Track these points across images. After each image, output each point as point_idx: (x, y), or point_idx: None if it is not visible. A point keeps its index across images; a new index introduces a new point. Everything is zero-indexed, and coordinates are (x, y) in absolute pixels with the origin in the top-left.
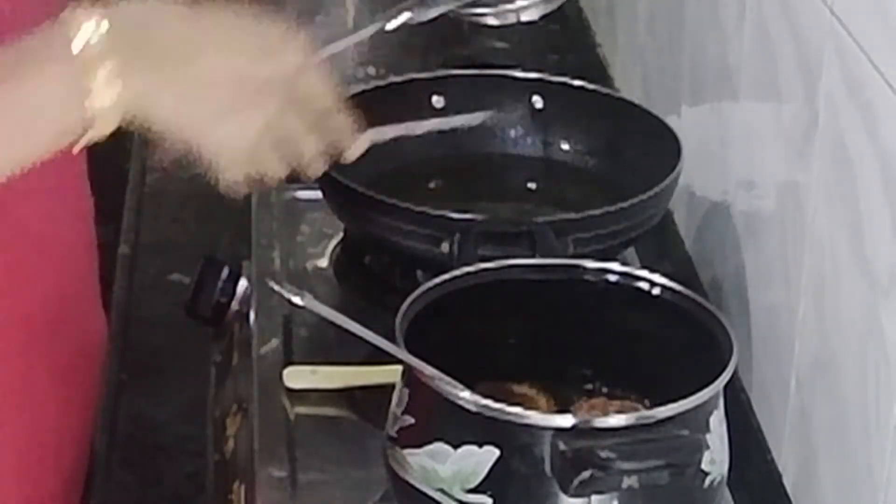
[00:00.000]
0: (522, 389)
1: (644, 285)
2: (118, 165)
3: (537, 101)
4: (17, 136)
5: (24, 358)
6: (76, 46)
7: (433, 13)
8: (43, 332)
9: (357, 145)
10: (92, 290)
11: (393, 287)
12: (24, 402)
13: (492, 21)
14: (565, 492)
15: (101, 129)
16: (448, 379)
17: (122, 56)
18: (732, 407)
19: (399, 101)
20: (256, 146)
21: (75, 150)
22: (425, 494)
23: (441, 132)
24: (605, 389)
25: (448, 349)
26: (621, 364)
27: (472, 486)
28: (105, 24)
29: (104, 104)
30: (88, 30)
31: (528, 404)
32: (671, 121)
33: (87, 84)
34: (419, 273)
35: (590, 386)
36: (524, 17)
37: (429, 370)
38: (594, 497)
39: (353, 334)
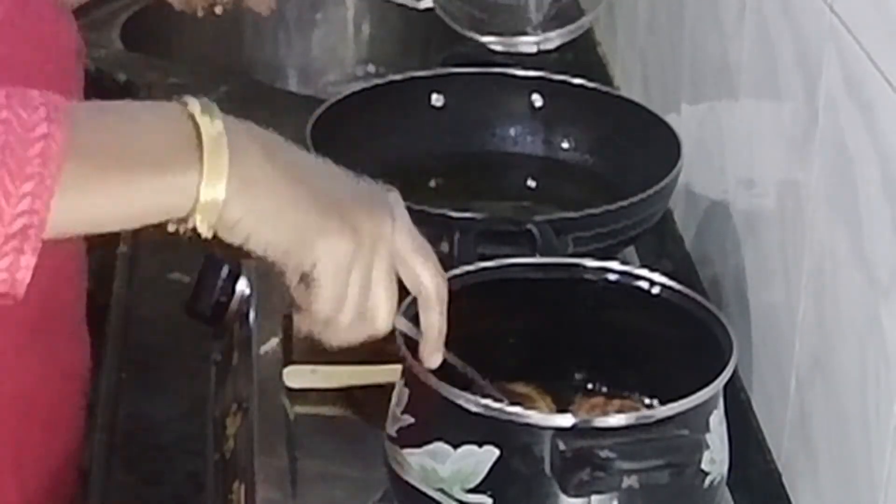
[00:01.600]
0: (520, 388)
1: (644, 284)
2: None
3: (537, 100)
4: (130, 201)
5: (18, 358)
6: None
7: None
8: (37, 331)
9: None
10: (77, 305)
11: None
12: (16, 401)
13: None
14: (565, 492)
15: (199, 225)
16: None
17: (236, 161)
18: (732, 407)
19: (398, 100)
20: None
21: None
22: (425, 494)
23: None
24: (604, 389)
25: (448, 348)
26: (621, 363)
27: (471, 485)
28: (221, 127)
29: (211, 198)
30: (210, 118)
31: (527, 404)
32: (671, 119)
33: (203, 178)
34: None
35: (590, 385)
36: (543, 47)
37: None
38: (594, 497)
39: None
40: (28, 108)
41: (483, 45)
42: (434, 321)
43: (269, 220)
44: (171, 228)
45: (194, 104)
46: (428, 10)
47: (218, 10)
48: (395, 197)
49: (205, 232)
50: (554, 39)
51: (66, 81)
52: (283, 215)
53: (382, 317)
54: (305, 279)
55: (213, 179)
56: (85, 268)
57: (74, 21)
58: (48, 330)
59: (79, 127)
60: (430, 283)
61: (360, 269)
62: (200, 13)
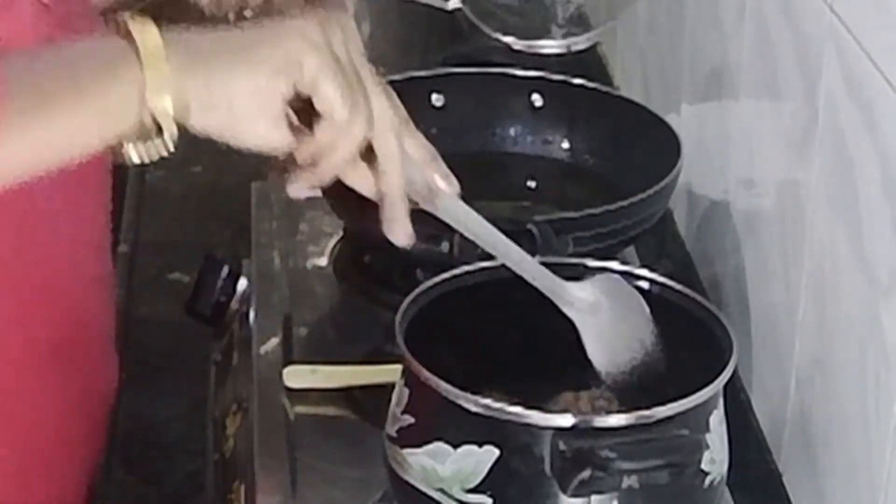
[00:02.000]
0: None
1: (644, 284)
2: (118, 165)
3: (537, 100)
4: (77, 126)
5: (40, 377)
6: (139, 45)
7: None
8: (62, 351)
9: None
10: (104, 327)
11: (393, 286)
12: (36, 418)
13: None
14: (565, 492)
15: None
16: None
17: (177, 61)
18: (732, 407)
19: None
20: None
21: (133, 160)
22: (425, 494)
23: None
24: (604, 388)
25: (448, 348)
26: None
27: (471, 485)
28: (149, 22)
29: (161, 106)
30: (148, 36)
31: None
32: (671, 119)
33: (147, 87)
34: (419, 272)
35: (589, 385)
36: (569, 49)
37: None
38: (594, 497)
39: None
40: None
41: (485, 45)
42: (391, 170)
43: (231, 62)
44: (133, 155)
45: (121, 16)
46: (454, 10)
47: (248, 13)
48: (345, 16)
49: (169, 129)
50: (581, 42)
51: None
52: (241, 51)
53: (385, 105)
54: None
55: (152, 61)
56: (114, 288)
57: None
58: (74, 350)
59: (12, 68)
60: (379, 105)
61: (341, 48)
62: (231, 17)
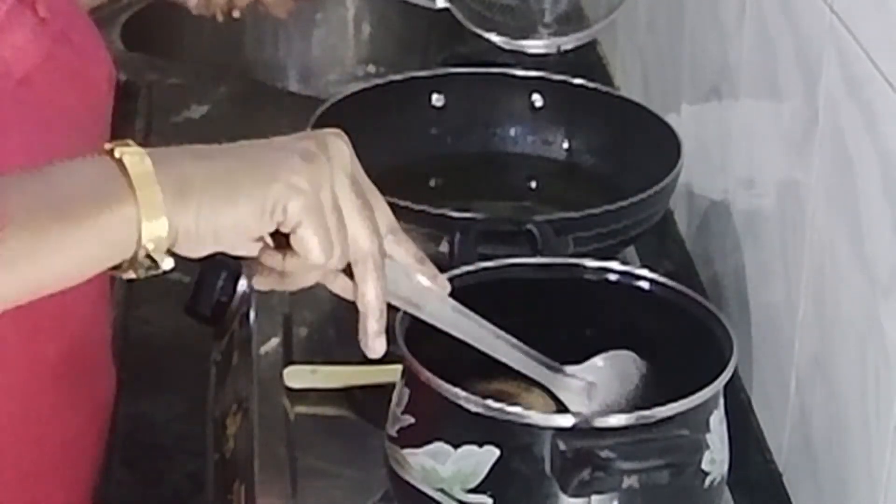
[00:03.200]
0: (508, 388)
1: (644, 284)
2: None
3: (537, 100)
4: (72, 263)
5: (43, 396)
6: (131, 174)
7: None
8: (64, 373)
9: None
10: (106, 340)
11: None
12: (38, 436)
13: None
14: (565, 492)
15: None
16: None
17: (170, 197)
18: (732, 407)
19: (398, 100)
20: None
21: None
22: (425, 494)
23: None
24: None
25: (448, 348)
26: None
27: (472, 486)
28: (147, 158)
29: (154, 242)
30: (135, 161)
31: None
32: (671, 119)
33: (143, 227)
34: None
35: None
36: (556, 49)
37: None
38: (594, 497)
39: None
40: None
41: (485, 45)
42: (372, 289)
43: (220, 199)
44: (128, 275)
45: (112, 144)
46: (443, 9)
47: (236, 13)
48: (333, 139)
49: (163, 259)
50: (569, 41)
51: (95, 115)
52: (232, 186)
53: (365, 237)
54: (279, 243)
55: (148, 199)
56: (111, 303)
57: (107, 50)
58: (77, 365)
59: (5, 199)
60: (365, 240)
61: (326, 193)
62: (220, 17)
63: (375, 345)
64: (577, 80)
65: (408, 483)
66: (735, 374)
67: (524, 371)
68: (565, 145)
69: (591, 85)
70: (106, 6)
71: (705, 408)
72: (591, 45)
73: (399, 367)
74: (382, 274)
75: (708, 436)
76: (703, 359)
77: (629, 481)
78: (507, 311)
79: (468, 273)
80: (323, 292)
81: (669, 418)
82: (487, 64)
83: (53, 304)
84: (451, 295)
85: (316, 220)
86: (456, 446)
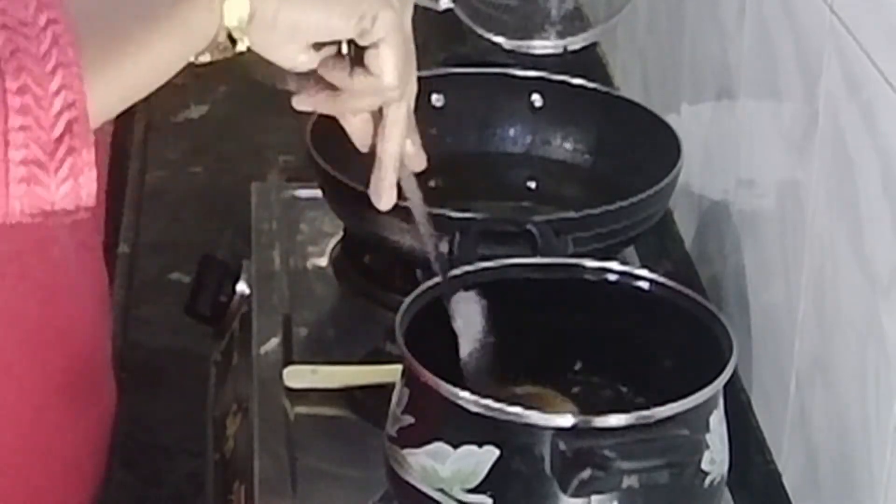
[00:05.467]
0: (531, 390)
1: (644, 284)
2: (118, 165)
3: (537, 100)
4: (159, 59)
5: (42, 412)
6: None
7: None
8: (64, 387)
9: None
10: (107, 351)
11: (393, 286)
12: (39, 450)
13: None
14: (565, 492)
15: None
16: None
17: None
18: (732, 407)
19: None
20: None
21: (202, 58)
22: (425, 494)
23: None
24: (605, 389)
25: (448, 349)
26: (621, 363)
27: (472, 486)
28: None
29: (236, 24)
30: None
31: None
32: (671, 119)
33: (224, 10)
34: (419, 272)
35: (591, 386)
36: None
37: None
38: (594, 497)
39: None
40: (18, 3)
41: (485, 45)
42: (398, 132)
43: None
44: (203, 58)
45: None
46: (447, 10)
47: None
48: None
49: (245, 44)
50: (576, 41)
51: None
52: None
53: (414, 80)
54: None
55: None
56: (111, 315)
57: None
58: (82, 378)
59: (80, 11)
60: (414, 86)
61: (409, 20)
62: None
63: (390, 196)
64: (577, 80)
65: (408, 483)
66: (735, 374)
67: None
68: (565, 145)
69: (591, 85)
70: None
71: (705, 408)
72: (591, 45)
73: (399, 367)
74: (408, 122)
75: (708, 436)
76: (703, 359)
77: (629, 481)
78: (507, 312)
79: (468, 273)
80: (323, 292)
81: (669, 418)
82: (487, 64)
83: (60, 316)
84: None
85: (400, 41)
86: (456, 446)
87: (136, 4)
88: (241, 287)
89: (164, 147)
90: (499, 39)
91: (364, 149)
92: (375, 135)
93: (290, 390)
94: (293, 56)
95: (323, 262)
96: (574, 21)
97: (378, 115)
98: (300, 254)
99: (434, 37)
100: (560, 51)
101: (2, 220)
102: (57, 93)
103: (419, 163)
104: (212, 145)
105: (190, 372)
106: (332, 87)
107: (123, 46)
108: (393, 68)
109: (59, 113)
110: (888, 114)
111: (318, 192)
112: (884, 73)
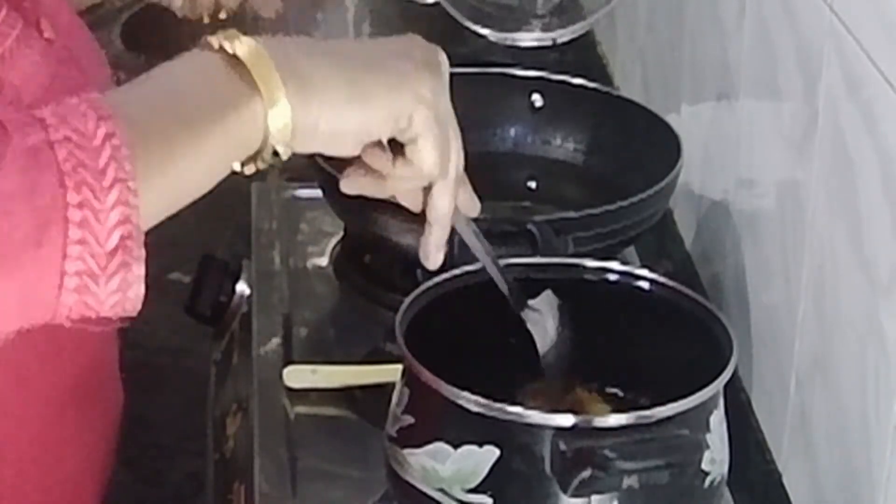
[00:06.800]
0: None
1: (644, 284)
2: None
3: (537, 100)
4: (205, 167)
5: (63, 416)
6: (249, 65)
7: None
8: (73, 398)
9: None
10: (116, 357)
11: (393, 286)
12: (60, 454)
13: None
14: (565, 492)
15: (279, 147)
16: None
17: (293, 93)
18: (732, 407)
19: None
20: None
21: (249, 171)
22: (425, 494)
23: None
24: (604, 388)
25: (448, 348)
26: (620, 363)
27: (472, 485)
28: (254, 41)
29: (279, 136)
30: (250, 51)
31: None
32: (671, 119)
33: (269, 122)
34: (419, 272)
35: (590, 385)
36: (549, 42)
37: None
38: (594, 497)
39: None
40: (78, 116)
41: (485, 44)
42: (447, 202)
43: (344, 101)
44: (248, 171)
45: (216, 38)
46: (434, 4)
47: (223, 14)
48: (435, 48)
49: (287, 152)
50: (564, 34)
51: None
52: (355, 89)
53: (457, 152)
54: (394, 149)
55: (271, 93)
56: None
57: (104, 57)
58: (92, 383)
59: (127, 112)
60: (456, 157)
61: (443, 106)
62: (206, 19)
63: (437, 258)
64: (577, 80)
65: (408, 483)
66: (735, 374)
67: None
68: (565, 145)
69: (591, 85)
70: (104, 6)
71: (705, 408)
72: (591, 46)
73: (399, 367)
74: (458, 189)
75: (708, 436)
76: (703, 359)
77: (629, 481)
78: (507, 312)
79: (468, 273)
80: (323, 292)
81: (669, 418)
82: (487, 64)
83: (72, 326)
84: (452, 295)
85: (437, 133)
86: (456, 446)
87: (182, 117)
88: (241, 287)
89: None
90: (485, 32)
91: (416, 210)
92: (425, 199)
93: (290, 390)
94: (339, 150)
95: (323, 262)
96: (562, 13)
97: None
98: (300, 254)
99: (434, 36)
100: (548, 43)
101: (46, 321)
102: (113, 207)
103: (473, 208)
104: None
105: (190, 372)
106: (377, 172)
107: (169, 158)
108: (432, 158)
109: (115, 227)
110: (888, 114)
111: (318, 192)
112: (884, 73)
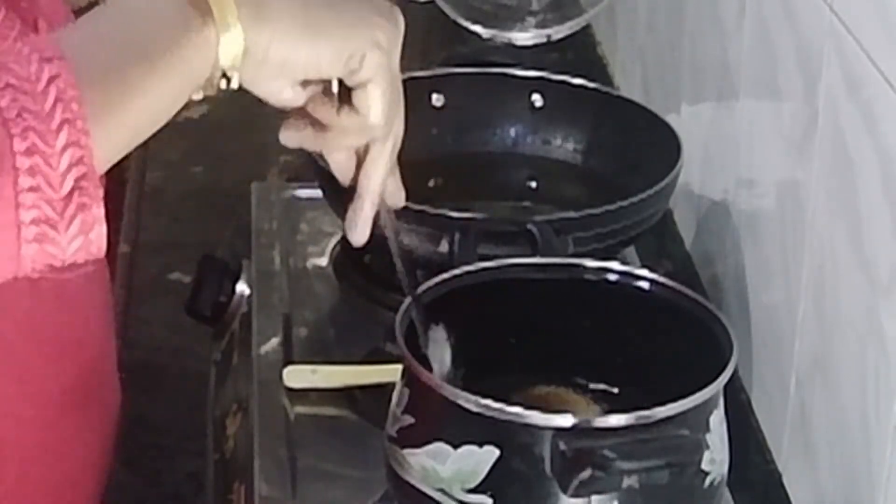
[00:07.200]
0: (545, 391)
1: (644, 284)
2: (118, 165)
3: (537, 100)
4: (159, 101)
5: (65, 415)
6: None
7: None
8: (70, 397)
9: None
10: (114, 356)
11: (393, 286)
12: (62, 453)
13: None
14: (565, 492)
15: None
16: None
17: (246, 18)
18: (732, 407)
19: None
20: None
21: (197, 97)
22: (425, 494)
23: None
24: (604, 388)
25: (446, 347)
26: (621, 363)
27: (472, 485)
28: None
29: (231, 63)
30: None
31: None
32: (671, 119)
33: (220, 50)
34: (419, 272)
35: (590, 385)
36: (543, 39)
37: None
38: (594, 497)
39: None
40: (20, 60)
41: (485, 44)
42: (380, 171)
43: (298, 30)
44: (197, 96)
45: None
46: (428, 2)
47: None
48: (397, 10)
49: (236, 80)
50: (559, 31)
51: None
52: (310, 20)
53: (401, 117)
54: (342, 99)
55: (224, 17)
56: (114, 317)
57: None
58: (92, 382)
59: (76, 51)
60: (400, 126)
61: (396, 59)
62: None
63: (364, 231)
64: (577, 80)
65: (408, 483)
66: (735, 374)
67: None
68: (565, 145)
69: (591, 85)
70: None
71: (705, 408)
72: (591, 46)
73: (399, 367)
74: (391, 160)
75: (708, 436)
76: (703, 359)
77: (629, 481)
78: (507, 312)
79: (468, 273)
80: (323, 292)
81: (669, 418)
82: (487, 64)
83: (72, 326)
84: (452, 295)
85: (387, 80)
86: (456, 446)
87: (135, 49)
88: (241, 287)
89: (164, 147)
90: (478, 29)
91: (346, 183)
92: (357, 170)
93: (289, 390)
94: (280, 91)
95: (323, 262)
96: (558, 10)
97: (361, 152)
98: (300, 254)
99: (434, 36)
100: (544, 40)
101: (12, 275)
102: (64, 150)
103: (399, 199)
104: (212, 145)
105: (190, 372)
106: (318, 124)
107: (124, 92)
108: (380, 107)
109: (67, 170)
110: (888, 114)
111: (318, 192)
112: (884, 73)
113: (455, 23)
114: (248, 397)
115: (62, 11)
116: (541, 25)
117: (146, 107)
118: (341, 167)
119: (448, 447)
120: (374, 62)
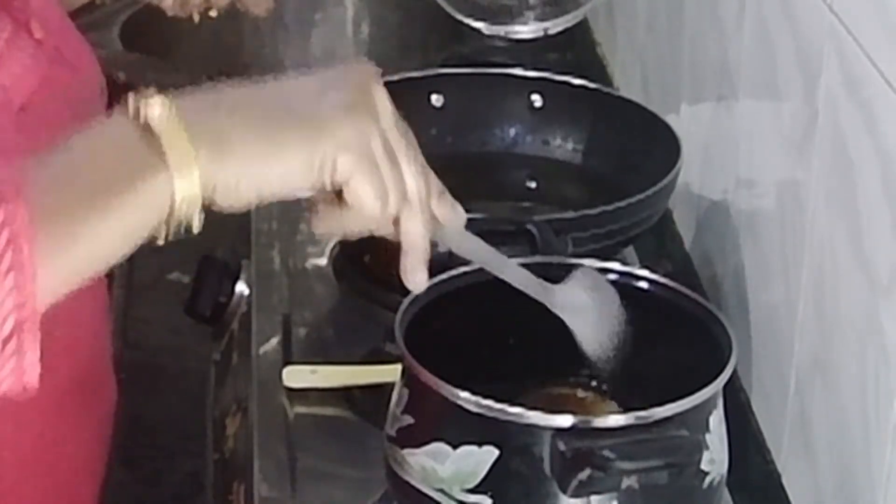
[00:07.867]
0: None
1: (644, 284)
2: None
3: (536, 100)
4: (110, 242)
5: (61, 414)
6: (160, 133)
7: None
8: (66, 397)
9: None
10: (109, 352)
11: (393, 286)
12: (59, 452)
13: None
14: (565, 492)
15: (188, 212)
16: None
17: (205, 157)
18: (732, 407)
19: (398, 100)
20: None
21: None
22: (425, 494)
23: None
24: (603, 388)
25: (448, 348)
26: (620, 364)
27: (471, 486)
28: (170, 103)
29: (190, 207)
30: (163, 116)
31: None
32: (670, 119)
33: (177, 191)
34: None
35: (590, 385)
36: (541, 34)
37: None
38: (594, 497)
39: None
40: None
41: (484, 44)
42: (416, 228)
43: (261, 158)
44: (161, 240)
45: (133, 100)
46: None
47: (213, 13)
48: (367, 80)
49: (195, 219)
50: (556, 24)
51: (95, 104)
52: (272, 144)
53: (412, 177)
54: (332, 198)
55: (180, 162)
56: (110, 315)
57: (94, 57)
58: (87, 379)
59: (35, 188)
60: (412, 182)
61: (377, 142)
62: (196, 18)
63: (417, 279)
64: (578, 81)
65: (407, 483)
66: (735, 374)
67: (523, 288)
68: (565, 145)
69: (591, 85)
70: (103, 6)
71: (705, 408)
72: (591, 46)
73: (399, 367)
74: (427, 211)
75: (707, 436)
76: (702, 359)
77: (628, 481)
78: (506, 312)
79: (468, 273)
80: (323, 292)
81: (669, 418)
82: (487, 64)
83: (66, 325)
84: (452, 295)
85: (369, 172)
86: (455, 446)
87: (93, 189)
88: (241, 287)
89: None
90: (479, 25)
91: (395, 239)
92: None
93: (289, 390)
94: (279, 199)
95: (323, 262)
96: (556, 4)
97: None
98: (300, 254)
99: (433, 36)
100: (540, 34)
101: None
102: (8, 294)
103: (459, 220)
104: None
105: (190, 372)
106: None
107: (77, 233)
108: (370, 200)
109: (8, 315)
110: (888, 114)
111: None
112: (884, 73)
113: (456, 22)
114: (247, 397)
115: (56, 12)
116: (539, 19)
117: (95, 247)
118: (388, 234)
119: (447, 447)
120: (345, 163)
